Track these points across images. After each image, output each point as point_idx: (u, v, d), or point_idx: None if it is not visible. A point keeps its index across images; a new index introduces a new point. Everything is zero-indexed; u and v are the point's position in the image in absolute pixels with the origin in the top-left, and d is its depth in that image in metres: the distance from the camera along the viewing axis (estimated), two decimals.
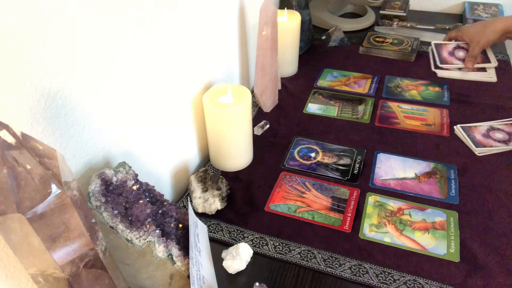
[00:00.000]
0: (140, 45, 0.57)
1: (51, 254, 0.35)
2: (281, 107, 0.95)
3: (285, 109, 0.94)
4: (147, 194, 0.55)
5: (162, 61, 0.63)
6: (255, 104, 0.95)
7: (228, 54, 0.87)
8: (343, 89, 1.00)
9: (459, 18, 1.31)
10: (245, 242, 0.64)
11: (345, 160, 0.79)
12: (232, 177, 0.76)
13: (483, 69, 1.02)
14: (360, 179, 0.75)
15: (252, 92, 0.95)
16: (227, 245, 0.64)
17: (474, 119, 0.88)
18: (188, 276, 0.53)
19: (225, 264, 0.60)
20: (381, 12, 1.30)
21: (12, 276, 0.43)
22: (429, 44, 1.16)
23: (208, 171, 0.74)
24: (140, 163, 0.63)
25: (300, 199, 0.71)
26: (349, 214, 0.68)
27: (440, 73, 1.03)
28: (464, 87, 0.99)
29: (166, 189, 0.72)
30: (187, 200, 0.72)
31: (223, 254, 0.61)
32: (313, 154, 0.81)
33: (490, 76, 1.01)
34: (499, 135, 0.82)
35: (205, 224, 0.67)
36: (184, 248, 0.54)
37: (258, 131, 0.87)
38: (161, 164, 0.69)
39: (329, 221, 0.67)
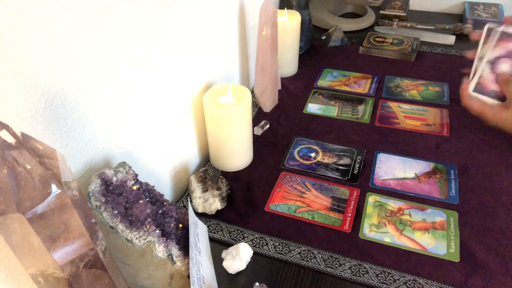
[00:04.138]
0: (140, 45, 0.57)
1: (51, 254, 0.35)
2: (281, 107, 0.95)
3: (285, 109, 0.94)
4: (147, 194, 0.55)
5: (162, 61, 0.63)
6: (255, 104, 0.95)
7: (228, 54, 0.87)
8: (343, 89, 1.00)
9: (459, 18, 1.31)
10: (245, 242, 0.64)
11: (345, 160, 0.79)
12: (232, 177, 0.76)
13: None
14: (360, 179, 0.75)
15: (252, 92, 0.95)
16: (227, 245, 0.64)
17: (474, 118, 0.87)
18: (188, 276, 0.53)
19: (225, 264, 0.60)
20: (381, 12, 1.30)
21: (12, 276, 0.43)
22: (429, 44, 1.16)
23: (208, 171, 0.74)
24: (140, 163, 0.63)
25: (300, 199, 0.71)
26: (349, 214, 0.68)
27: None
28: None
29: (166, 189, 0.72)
30: (187, 200, 0.72)
31: (223, 254, 0.61)
32: (313, 154, 0.81)
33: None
34: None
35: (205, 224, 0.67)
36: (184, 248, 0.54)
37: (258, 131, 0.87)
38: (161, 164, 0.69)
39: (329, 221, 0.67)
